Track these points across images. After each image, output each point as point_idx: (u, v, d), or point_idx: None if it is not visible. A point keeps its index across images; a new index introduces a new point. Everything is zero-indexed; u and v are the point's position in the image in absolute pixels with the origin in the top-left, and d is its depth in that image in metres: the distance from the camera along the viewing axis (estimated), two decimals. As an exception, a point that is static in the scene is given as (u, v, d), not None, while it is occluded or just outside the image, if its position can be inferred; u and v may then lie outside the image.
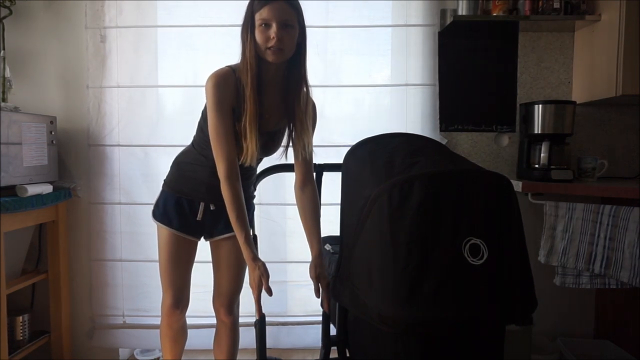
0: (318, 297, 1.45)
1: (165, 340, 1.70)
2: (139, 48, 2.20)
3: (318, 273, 1.46)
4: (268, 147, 1.54)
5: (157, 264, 1.64)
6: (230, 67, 1.45)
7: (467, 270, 1.05)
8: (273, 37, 1.34)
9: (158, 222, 1.60)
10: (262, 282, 1.40)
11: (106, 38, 2.18)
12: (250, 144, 1.40)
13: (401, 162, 1.21)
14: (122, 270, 2.26)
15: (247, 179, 1.62)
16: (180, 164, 1.62)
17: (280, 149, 1.58)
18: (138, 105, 2.21)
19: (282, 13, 1.35)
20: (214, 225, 1.61)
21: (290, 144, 1.54)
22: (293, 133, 1.50)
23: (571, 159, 2.18)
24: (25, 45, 2.22)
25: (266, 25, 1.35)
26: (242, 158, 1.43)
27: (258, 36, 1.36)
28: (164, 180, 1.65)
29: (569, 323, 2.38)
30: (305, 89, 1.47)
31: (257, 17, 1.35)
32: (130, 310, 2.28)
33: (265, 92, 1.46)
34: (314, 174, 1.67)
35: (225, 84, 1.41)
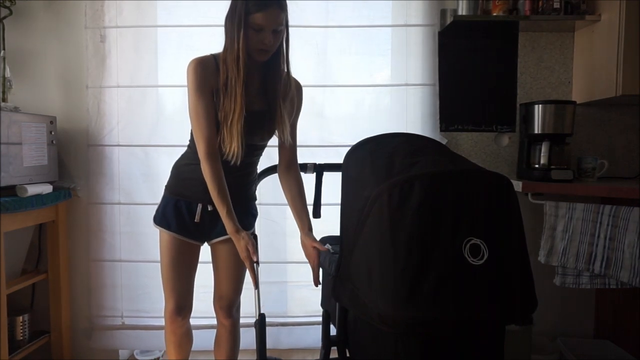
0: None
1: (169, 346, 1.70)
2: (138, 48, 2.20)
3: (312, 239, 1.49)
4: (254, 131, 1.53)
5: (157, 264, 1.64)
6: (212, 55, 1.50)
7: (467, 271, 1.05)
8: (266, 42, 1.40)
9: (157, 226, 1.60)
10: (250, 252, 1.44)
11: (106, 38, 2.18)
12: (235, 143, 1.44)
13: (401, 162, 1.21)
14: (122, 270, 2.26)
15: (246, 176, 1.62)
16: (179, 167, 1.63)
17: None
18: (138, 105, 2.21)
19: (275, 19, 1.39)
20: (213, 227, 1.60)
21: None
22: (275, 114, 1.53)
23: (571, 159, 2.18)
24: (25, 45, 2.22)
25: (260, 29, 1.39)
26: (225, 155, 1.47)
27: (250, 36, 1.40)
28: (165, 185, 1.65)
29: (569, 323, 2.38)
30: (285, 73, 1.52)
31: (251, 19, 1.38)
32: (129, 311, 2.28)
33: (247, 87, 1.48)
34: (315, 169, 1.71)
35: (205, 68, 1.46)
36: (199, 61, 1.47)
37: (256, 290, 1.63)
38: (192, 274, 1.66)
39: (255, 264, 1.45)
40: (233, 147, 1.45)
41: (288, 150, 1.61)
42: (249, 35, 1.40)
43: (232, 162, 1.48)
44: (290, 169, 1.63)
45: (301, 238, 1.53)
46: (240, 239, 1.45)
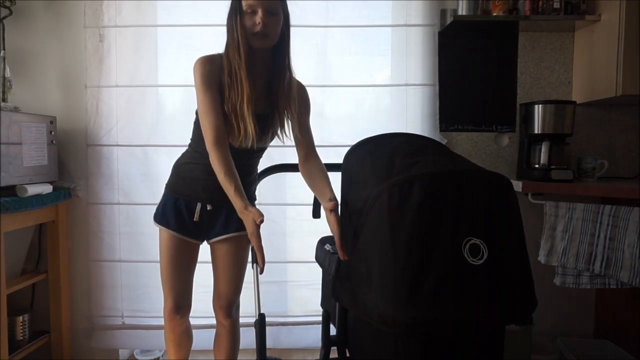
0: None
1: (168, 344, 1.70)
2: (138, 47, 2.19)
3: (331, 206, 1.33)
4: (259, 133, 1.53)
5: (156, 264, 1.64)
6: (219, 54, 1.51)
7: (467, 270, 1.05)
8: (259, 23, 1.40)
9: (157, 224, 1.61)
10: (258, 224, 1.34)
11: (105, 37, 2.17)
12: (249, 125, 1.44)
13: (401, 162, 1.21)
14: (121, 270, 2.26)
15: (246, 177, 1.62)
16: (180, 166, 1.63)
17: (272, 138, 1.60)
18: (137, 105, 2.21)
19: (268, 0, 1.41)
20: (212, 226, 1.60)
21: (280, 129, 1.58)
22: (277, 116, 1.54)
23: (571, 159, 2.18)
24: (25, 45, 2.22)
25: (252, 12, 1.41)
26: (239, 140, 1.46)
27: (244, 22, 1.42)
28: (166, 184, 1.65)
29: (569, 323, 2.37)
30: (289, 74, 1.52)
31: (244, 3, 1.41)
32: (129, 311, 2.28)
33: (253, 78, 1.49)
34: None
35: (212, 65, 1.47)
36: (206, 58, 1.49)
37: (256, 290, 1.62)
38: (190, 272, 1.66)
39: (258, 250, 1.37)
40: (249, 130, 1.45)
41: (302, 144, 1.59)
42: (245, 21, 1.42)
43: (250, 147, 1.49)
44: (308, 159, 1.58)
45: (323, 206, 1.42)
46: (248, 214, 1.37)
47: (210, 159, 1.45)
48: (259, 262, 1.36)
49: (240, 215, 1.42)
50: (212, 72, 1.47)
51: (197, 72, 1.46)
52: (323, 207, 1.41)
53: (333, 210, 1.32)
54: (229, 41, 1.46)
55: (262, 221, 1.34)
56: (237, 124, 1.45)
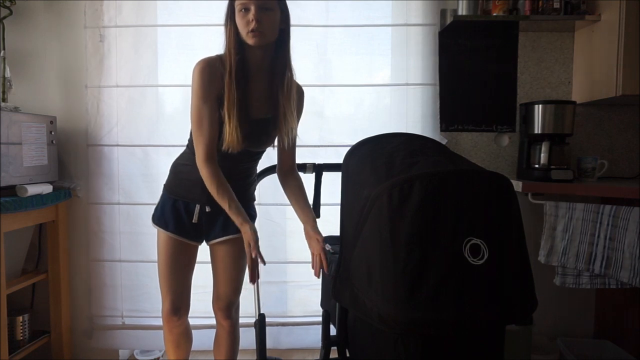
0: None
1: (167, 345, 1.70)
2: (138, 48, 2.19)
3: (317, 232, 1.49)
4: (260, 139, 1.53)
5: (157, 264, 1.64)
6: (219, 56, 1.48)
7: (467, 271, 1.05)
8: (252, 20, 1.38)
9: (155, 225, 1.60)
10: (252, 247, 1.44)
11: (105, 37, 2.17)
12: (229, 129, 1.42)
13: (401, 162, 1.21)
14: (121, 270, 2.25)
15: (245, 179, 1.62)
16: (177, 167, 1.63)
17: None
18: (137, 105, 2.21)
19: None
20: (210, 228, 1.60)
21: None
22: (278, 119, 1.52)
23: (571, 159, 2.18)
24: (25, 45, 2.22)
25: (245, 9, 1.39)
26: (224, 145, 1.44)
27: (238, 21, 1.41)
28: (164, 184, 1.65)
29: (569, 323, 2.38)
30: (289, 74, 1.51)
31: (237, 2, 1.40)
32: (129, 311, 2.27)
33: (252, 79, 1.48)
34: (314, 169, 1.72)
35: (212, 71, 1.44)
36: (207, 62, 1.45)
37: (256, 291, 1.62)
38: (189, 274, 1.65)
39: (259, 260, 1.45)
40: (234, 136, 1.42)
41: (289, 152, 1.61)
42: (239, 20, 1.40)
43: (247, 151, 1.48)
44: (291, 172, 1.63)
45: (306, 230, 1.53)
46: (244, 232, 1.45)
47: (201, 174, 1.46)
48: (250, 278, 1.46)
49: (240, 228, 1.47)
50: (212, 79, 1.43)
51: (197, 79, 1.43)
52: (307, 229, 1.52)
53: (318, 239, 1.46)
54: (226, 41, 1.45)
55: (258, 254, 1.44)
56: (228, 129, 1.43)
